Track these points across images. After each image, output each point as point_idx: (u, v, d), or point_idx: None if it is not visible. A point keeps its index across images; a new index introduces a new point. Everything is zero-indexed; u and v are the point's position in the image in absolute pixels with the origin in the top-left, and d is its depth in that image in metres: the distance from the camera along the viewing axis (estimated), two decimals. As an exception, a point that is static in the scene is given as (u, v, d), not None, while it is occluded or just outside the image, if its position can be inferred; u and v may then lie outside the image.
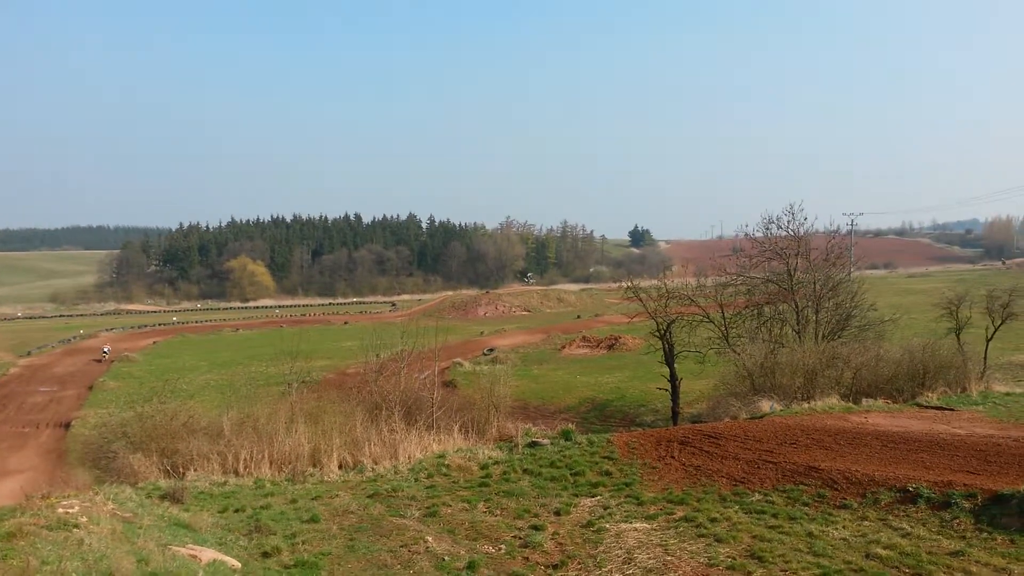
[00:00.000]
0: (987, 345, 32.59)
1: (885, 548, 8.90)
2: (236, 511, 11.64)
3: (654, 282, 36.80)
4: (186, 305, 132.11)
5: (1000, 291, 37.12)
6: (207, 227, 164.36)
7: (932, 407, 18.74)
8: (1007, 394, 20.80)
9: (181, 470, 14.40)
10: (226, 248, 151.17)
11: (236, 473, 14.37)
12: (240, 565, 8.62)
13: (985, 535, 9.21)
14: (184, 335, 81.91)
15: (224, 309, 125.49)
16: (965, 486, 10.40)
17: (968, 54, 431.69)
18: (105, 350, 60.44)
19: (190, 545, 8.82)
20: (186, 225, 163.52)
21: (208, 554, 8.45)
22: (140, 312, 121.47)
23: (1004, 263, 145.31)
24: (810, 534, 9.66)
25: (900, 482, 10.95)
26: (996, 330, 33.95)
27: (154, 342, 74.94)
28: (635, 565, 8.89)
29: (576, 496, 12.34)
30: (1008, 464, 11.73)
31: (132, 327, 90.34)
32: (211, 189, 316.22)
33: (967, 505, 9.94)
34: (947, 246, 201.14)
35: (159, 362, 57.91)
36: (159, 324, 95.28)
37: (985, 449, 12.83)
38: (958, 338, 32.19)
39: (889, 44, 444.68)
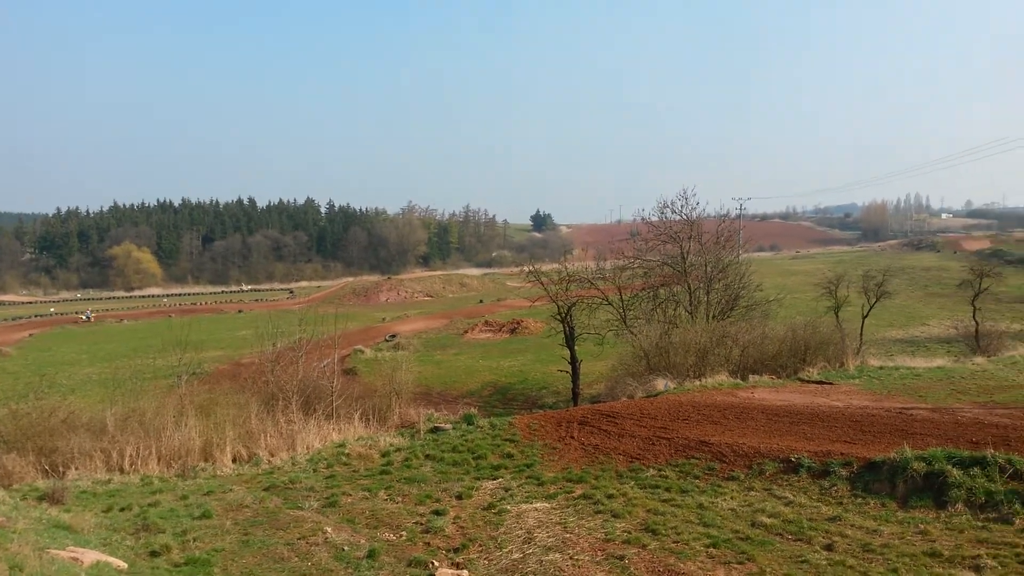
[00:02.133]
0: (863, 322, 34.87)
1: (770, 516, 9.38)
2: (122, 510, 11.08)
3: (555, 266, 37.31)
4: (65, 295, 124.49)
5: (875, 271, 39.76)
6: (87, 212, 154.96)
7: (813, 381, 19.89)
8: (880, 368, 22.29)
9: (61, 469, 13.58)
10: (108, 234, 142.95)
11: (121, 470, 13.68)
12: (126, 566, 8.22)
13: (860, 500, 9.84)
14: (64, 327, 77.18)
15: (107, 299, 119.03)
16: (842, 455, 11.08)
17: (835, 51, 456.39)
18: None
19: (71, 547, 8.34)
20: (64, 210, 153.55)
21: (91, 556, 8.02)
22: (14, 303, 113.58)
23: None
24: (701, 506, 10.07)
25: (784, 453, 11.55)
26: (871, 308, 36.37)
27: (30, 334, 70.39)
28: (535, 544, 9.04)
29: (478, 479, 12.41)
30: (881, 433, 12.57)
31: (5, 319, 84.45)
32: (90, 172, 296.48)
33: (844, 473, 10.60)
34: (828, 229, 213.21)
35: (36, 356, 54.48)
36: (36, 315, 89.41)
37: (861, 420, 13.72)
38: (837, 316, 34.30)
39: (768, 40, 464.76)
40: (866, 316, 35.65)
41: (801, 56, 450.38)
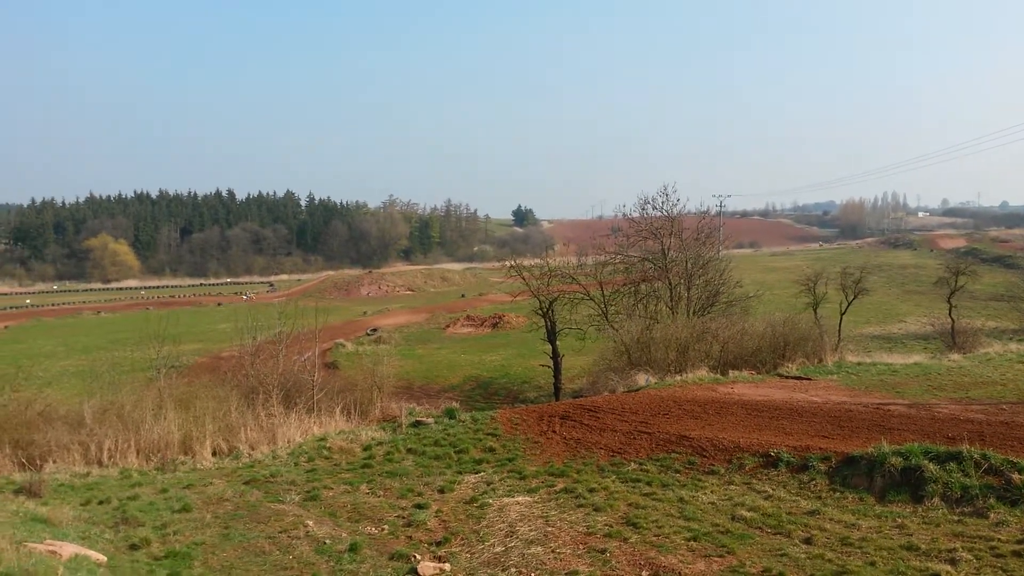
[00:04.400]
0: (841, 318, 35.28)
1: (749, 510, 9.47)
2: (101, 503, 10.98)
3: (537, 261, 37.36)
4: (41, 287, 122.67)
5: (853, 268, 40.20)
6: (63, 203, 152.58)
7: (792, 377, 20.08)
8: (858, 364, 22.55)
9: (38, 462, 13.40)
10: (84, 226, 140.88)
11: (100, 464, 13.54)
12: (105, 559, 8.15)
13: (838, 494, 9.97)
14: (40, 319, 76.16)
15: (84, 291, 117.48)
16: (821, 450, 11.21)
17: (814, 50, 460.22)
18: None
19: (49, 540, 8.25)
20: (39, 200, 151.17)
21: (69, 549, 7.94)
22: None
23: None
24: (681, 499, 10.15)
25: (763, 448, 11.67)
26: (849, 304, 36.78)
27: (5, 326, 69.40)
28: (517, 537, 9.06)
29: (460, 473, 12.42)
30: (859, 428, 12.73)
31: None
32: (66, 162, 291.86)
33: (823, 467, 10.72)
34: (806, 226, 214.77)
35: (11, 348, 53.71)
36: (11, 307, 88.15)
37: (839, 415, 13.88)
38: (815, 312, 34.67)
39: (748, 38, 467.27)
40: (844, 312, 36.09)
41: (781, 54, 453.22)
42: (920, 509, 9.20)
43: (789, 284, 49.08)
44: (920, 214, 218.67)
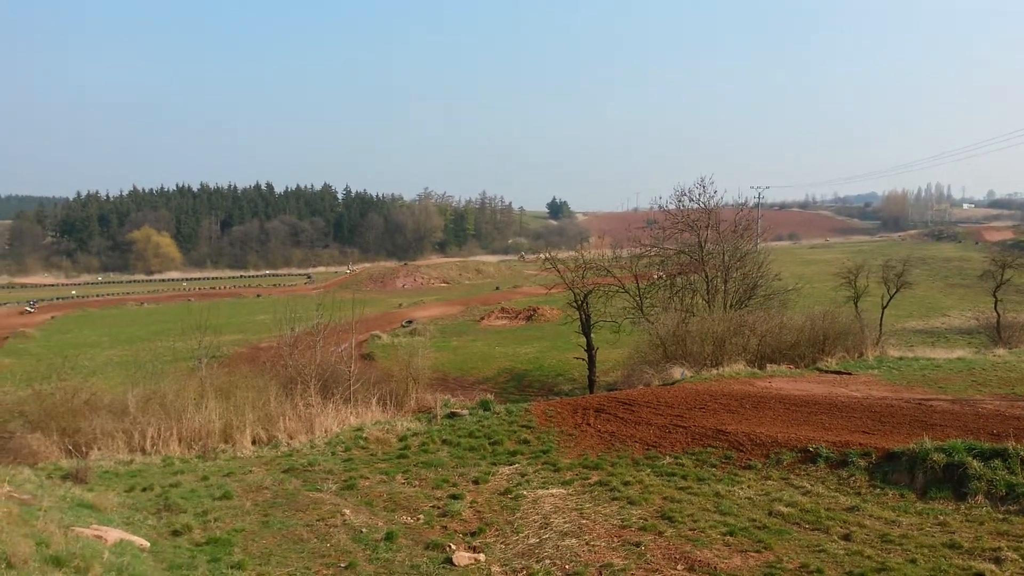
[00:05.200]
0: (883, 312, 34.60)
1: (787, 506, 9.36)
2: (144, 490, 11.25)
3: (572, 254, 37.26)
4: (86, 278, 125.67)
5: (895, 261, 39.39)
6: (107, 196, 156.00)
7: (832, 371, 19.76)
8: (900, 358, 22.11)
9: (84, 449, 13.79)
10: (128, 218, 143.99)
11: (143, 451, 13.87)
12: (149, 544, 8.35)
13: (878, 491, 9.80)
14: (85, 310, 78.11)
15: (128, 282, 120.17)
16: (861, 445, 11.02)
17: (864, 39, 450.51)
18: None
19: (95, 526, 8.47)
20: (84, 194, 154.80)
21: (114, 534, 8.14)
22: (36, 286, 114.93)
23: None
24: (717, 494, 10.06)
25: (801, 443, 11.51)
26: (891, 298, 36.06)
27: (52, 317, 71.21)
28: (551, 529, 9.08)
29: (494, 465, 12.47)
30: (900, 424, 12.50)
31: (27, 301, 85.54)
32: (110, 155, 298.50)
33: (862, 463, 10.54)
34: (847, 218, 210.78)
35: (58, 338, 55.17)
36: (57, 298, 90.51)
37: (880, 410, 13.63)
38: (856, 306, 34.05)
39: (790, 28, 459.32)
40: (886, 306, 35.39)
41: (821, 44, 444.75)
42: (963, 507, 9.01)
43: (829, 277, 48.18)
44: (965, 206, 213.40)
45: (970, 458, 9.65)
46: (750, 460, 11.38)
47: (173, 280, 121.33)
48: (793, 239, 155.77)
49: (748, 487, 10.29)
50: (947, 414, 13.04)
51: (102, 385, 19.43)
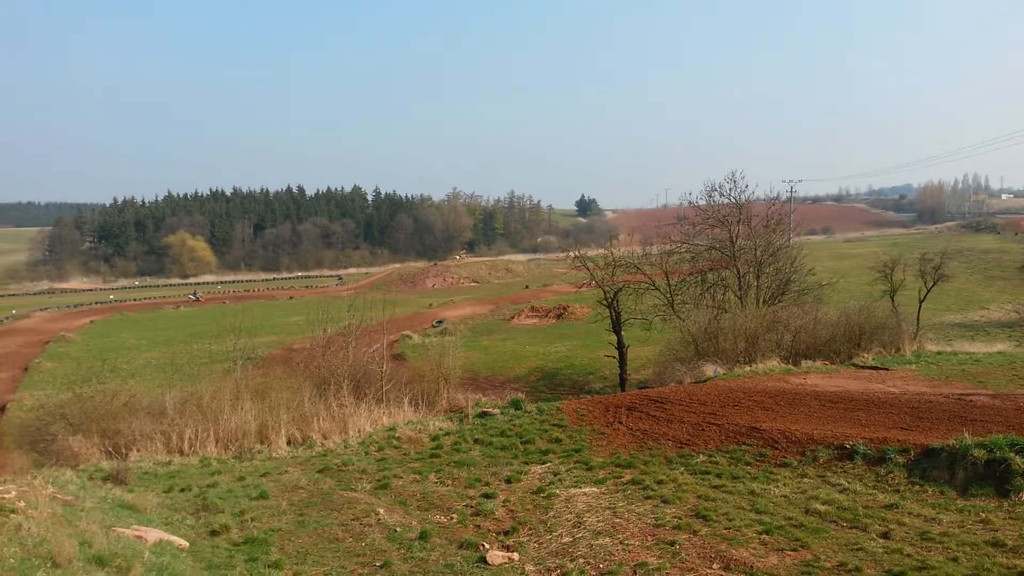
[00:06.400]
0: (920, 306, 33.89)
1: (824, 503, 9.24)
2: (182, 490, 11.45)
3: (601, 251, 37.08)
4: (123, 282, 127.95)
5: (932, 254, 38.57)
6: (143, 202, 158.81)
7: (868, 367, 19.43)
8: (938, 353, 21.68)
9: (123, 451, 14.08)
10: (163, 223, 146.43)
11: (181, 452, 14.12)
12: (187, 544, 8.50)
13: (917, 488, 9.63)
14: (122, 313, 79.61)
15: (164, 286, 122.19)
16: (899, 442, 10.83)
17: (895, 32, 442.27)
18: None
19: (135, 526, 8.64)
20: (120, 200, 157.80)
21: (154, 534, 8.30)
22: (75, 290, 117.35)
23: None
24: (752, 492, 9.96)
25: (838, 440, 11.35)
26: (928, 292, 35.30)
27: (91, 321, 72.59)
28: (584, 528, 9.06)
29: (527, 464, 12.48)
30: (939, 420, 12.26)
31: (67, 306, 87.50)
32: (145, 162, 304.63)
33: (901, 460, 10.36)
34: (882, 211, 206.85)
35: (97, 342, 56.21)
36: (96, 303, 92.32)
37: (918, 406, 13.38)
38: (892, 300, 33.35)
39: (821, 20, 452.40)
40: (923, 300, 34.66)
41: (853, 36, 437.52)
42: (1006, 504, 8.82)
43: (864, 271, 47.40)
44: (1004, 196, 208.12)
45: (1013, 454, 9.44)
46: (785, 458, 11.25)
47: (208, 283, 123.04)
48: (827, 233, 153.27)
49: (784, 485, 10.18)
50: (988, 409, 12.76)
51: (140, 387, 19.85)
